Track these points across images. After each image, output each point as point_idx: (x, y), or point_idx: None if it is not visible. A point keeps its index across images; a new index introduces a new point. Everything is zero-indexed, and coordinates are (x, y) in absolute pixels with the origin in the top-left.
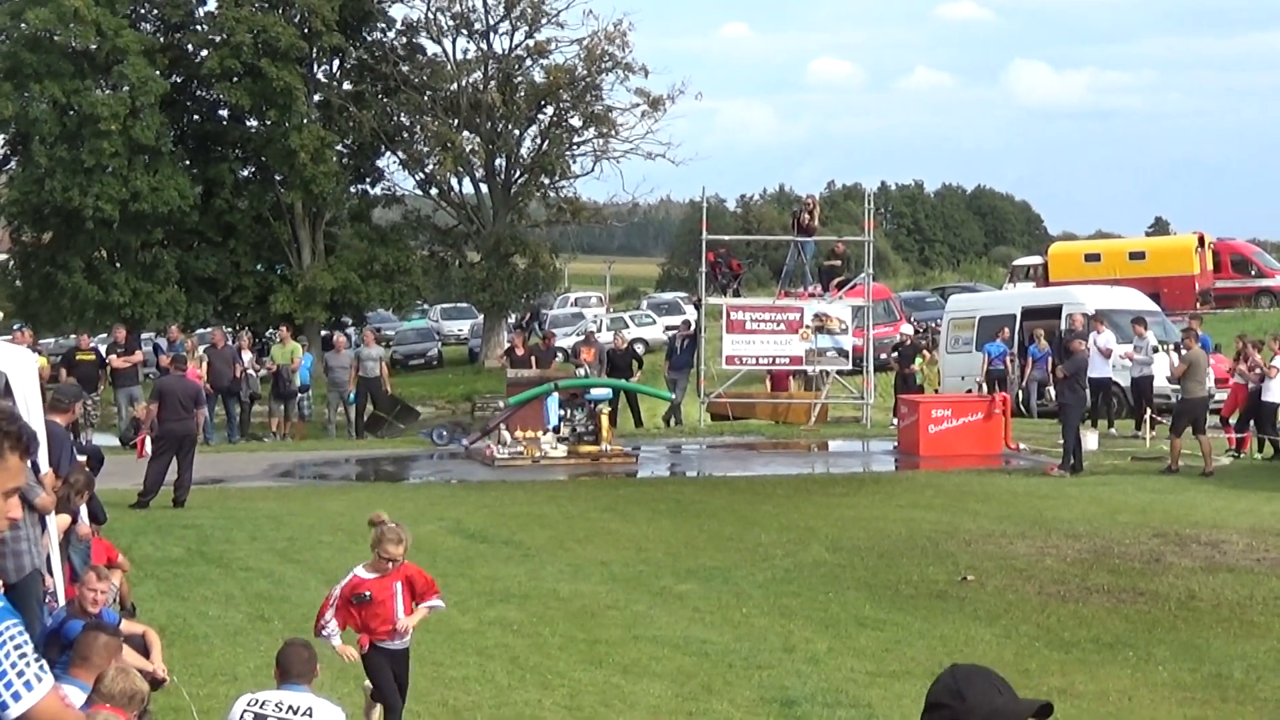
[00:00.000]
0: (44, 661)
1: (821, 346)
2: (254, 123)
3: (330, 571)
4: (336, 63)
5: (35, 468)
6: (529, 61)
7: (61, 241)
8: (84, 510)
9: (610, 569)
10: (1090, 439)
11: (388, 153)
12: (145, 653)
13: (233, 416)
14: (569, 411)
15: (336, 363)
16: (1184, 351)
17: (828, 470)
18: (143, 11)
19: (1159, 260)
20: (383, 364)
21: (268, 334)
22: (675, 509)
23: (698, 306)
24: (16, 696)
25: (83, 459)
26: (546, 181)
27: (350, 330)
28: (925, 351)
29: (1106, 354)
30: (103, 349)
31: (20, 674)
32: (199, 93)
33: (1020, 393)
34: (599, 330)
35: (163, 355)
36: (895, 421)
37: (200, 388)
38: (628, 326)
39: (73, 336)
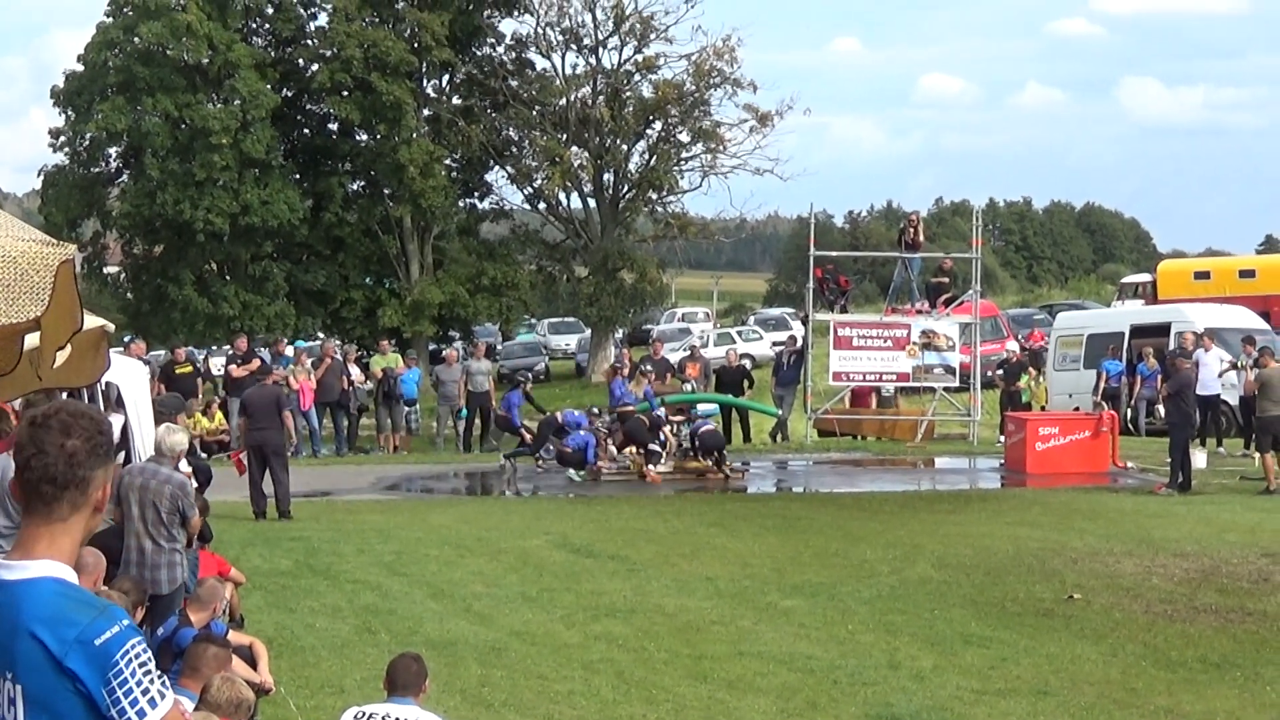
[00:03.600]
0: (165, 678)
1: (928, 363)
2: (363, 137)
3: (437, 585)
4: (446, 78)
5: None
6: (637, 77)
7: (172, 254)
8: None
9: (716, 584)
10: (1199, 458)
11: (496, 167)
12: (253, 663)
13: (340, 429)
14: (675, 427)
15: (447, 376)
16: (1259, 370)
17: (934, 487)
18: (254, 26)
19: (1270, 278)
20: (490, 379)
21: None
22: (781, 525)
23: (805, 322)
24: (142, 714)
25: (188, 470)
26: (654, 196)
27: (458, 344)
28: (1031, 369)
29: (1223, 372)
30: (214, 360)
31: (145, 691)
32: (309, 107)
33: (1128, 411)
34: (705, 345)
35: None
36: (1002, 439)
37: (280, 394)
38: (735, 342)
39: (163, 353)
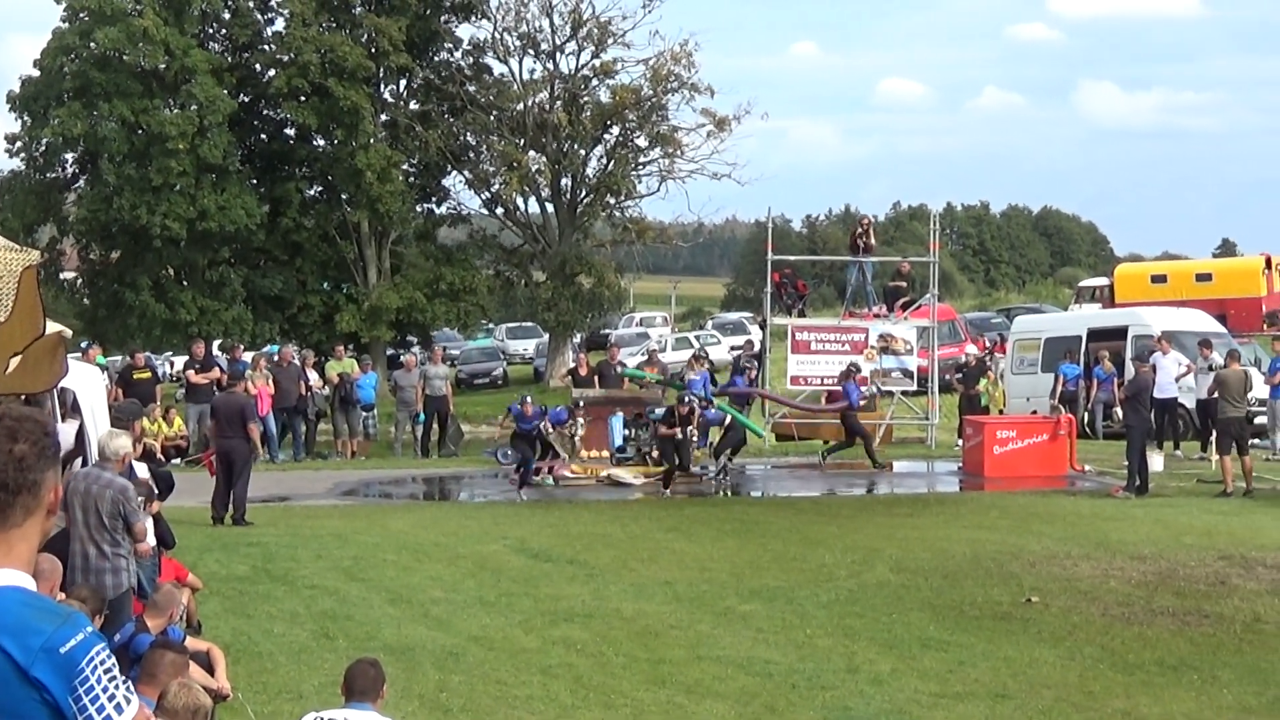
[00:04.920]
0: (130, 683)
1: (886, 367)
2: (321, 142)
3: (395, 590)
4: (403, 83)
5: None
6: (595, 81)
7: (129, 260)
8: (149, 526)
9: (674, 589)
10: (1156, 460)
11: (454, 172)
12: (210, 669)
13: (298, 435)
14: (634, 431)
15: (406, 381)
16: (1219, 370)
17: (892, 491)
18: (211, 31)
19: (1226, 282)
20: (448, 383)
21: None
22: (739, 529)
23: (763, 327)
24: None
25: (145, 477)
26: (612, 201)
27: (416, 349)
28: (989, 372)
29: (1182, 376)
30: (169, 366)
31: (111, 697)
32: (266, 112)
33: (1085, 414)
34: (663, 350)
35: (225, 374)
36: (960, 442)
37: (246, 403)
38: (693, 346)
39: (121, 358)
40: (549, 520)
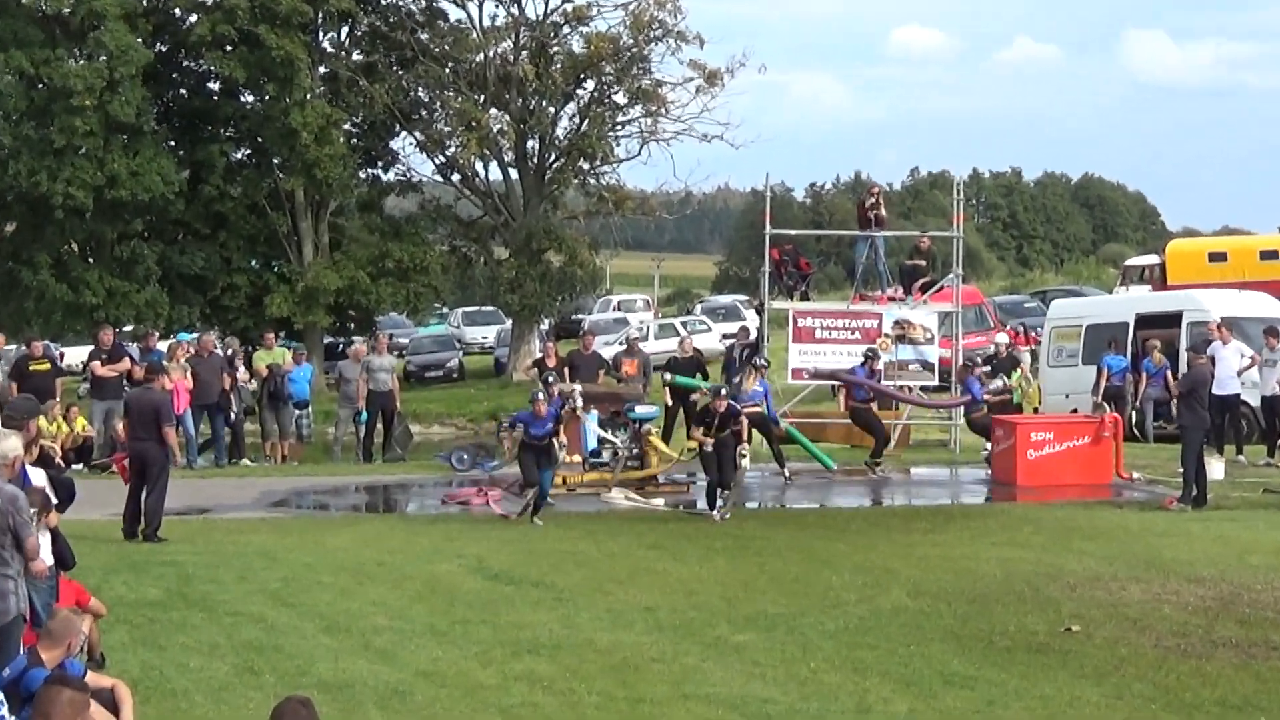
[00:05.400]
0: None
1: (903, 359)
2: (250, 98)
3: (331, 617)
4: (345, 30)
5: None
6: (566, 29)
7: (27, 233)
8: (46, 543)
9: (656, 616)
10: (1216, 467)
11: (403, 133)
12: (114, 709)
13: (219, 436)
14: (610, 432)
15: (351, 373)
16: None
17: (910, 502)
18: None
19: None
20: (394, 376)
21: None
22: (732, 546)
23: (760, 311)
24: None
25: (42, 485)
26: (586, 167)
27: (356, 338)
28: (1021, 365)
29: (1245, 369)
30: (74, 355)
31: None
32: (187, 64)
33: (1134, 413)
34: (645, 339)
35: (136, 366)
36: (988, 446)
37: (163, 402)
38: (679, 333)
39: (16, 347)
40: (510, 536)
